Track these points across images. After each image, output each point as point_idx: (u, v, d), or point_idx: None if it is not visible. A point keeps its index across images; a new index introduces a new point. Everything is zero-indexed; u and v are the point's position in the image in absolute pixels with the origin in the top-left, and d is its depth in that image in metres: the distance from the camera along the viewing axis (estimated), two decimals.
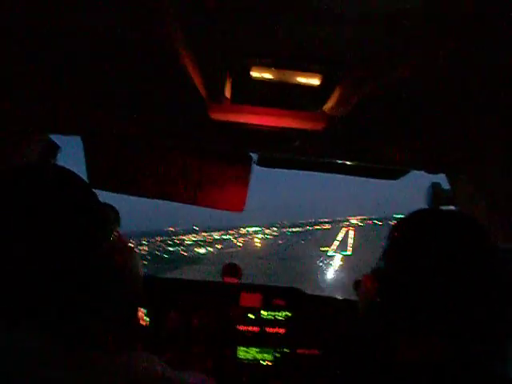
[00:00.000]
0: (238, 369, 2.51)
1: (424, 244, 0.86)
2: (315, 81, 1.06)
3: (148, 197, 2.20)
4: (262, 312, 2.58)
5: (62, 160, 2.01)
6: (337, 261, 44.67)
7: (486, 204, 1.58)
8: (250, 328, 2.57)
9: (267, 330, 2.56)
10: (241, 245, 77.83)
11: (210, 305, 2.57)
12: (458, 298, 0.81)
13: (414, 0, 0.69)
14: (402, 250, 0.89)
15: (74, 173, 0.85)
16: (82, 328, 0.80)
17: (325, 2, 0.71)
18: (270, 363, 2.53)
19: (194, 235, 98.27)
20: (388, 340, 0.89)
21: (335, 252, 51.05)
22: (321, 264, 42.26)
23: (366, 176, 2.17)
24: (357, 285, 0.92)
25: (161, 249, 65.97)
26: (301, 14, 0.76)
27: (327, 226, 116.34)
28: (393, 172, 2.06)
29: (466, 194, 1.74)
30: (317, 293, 2.89)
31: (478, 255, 0.83)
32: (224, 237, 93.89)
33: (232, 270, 3.18)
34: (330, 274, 36.47)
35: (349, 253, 49.76)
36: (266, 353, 2.53)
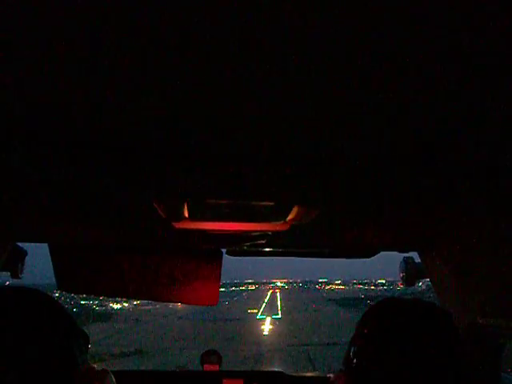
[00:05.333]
0: None
1: (386, 340, 0.89)
2: (271, 203, 1.11)
3: (117, 297, 2.40)
4: None
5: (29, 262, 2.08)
6: (267, 325, 41.99)
7: (455, 279, 1.66)
8: None
9: None
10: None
11: None
12: None
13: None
14: (366, 345, 0.91)
15: (39, 300, 0.86)
16: None
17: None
18: None
19: None
20: None
21: (264, 315, 48.69)
22: (252, 328, 39.29)
23: (337, 257, 2.24)
24: None
25: (73, 302, 59.59)
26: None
27: (252, 287, 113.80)
28: (365, 252, 2.10)
29: (437, 269, 1.81)
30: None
31: (442, 347, 0.87)
32: None
33: (211, 357, 2.96)
34: (265, 343, 33.39)
35: (279, 316, 47.77)
36: None
